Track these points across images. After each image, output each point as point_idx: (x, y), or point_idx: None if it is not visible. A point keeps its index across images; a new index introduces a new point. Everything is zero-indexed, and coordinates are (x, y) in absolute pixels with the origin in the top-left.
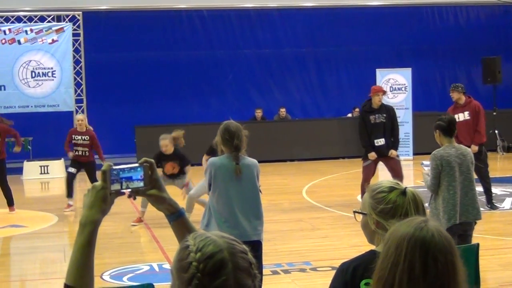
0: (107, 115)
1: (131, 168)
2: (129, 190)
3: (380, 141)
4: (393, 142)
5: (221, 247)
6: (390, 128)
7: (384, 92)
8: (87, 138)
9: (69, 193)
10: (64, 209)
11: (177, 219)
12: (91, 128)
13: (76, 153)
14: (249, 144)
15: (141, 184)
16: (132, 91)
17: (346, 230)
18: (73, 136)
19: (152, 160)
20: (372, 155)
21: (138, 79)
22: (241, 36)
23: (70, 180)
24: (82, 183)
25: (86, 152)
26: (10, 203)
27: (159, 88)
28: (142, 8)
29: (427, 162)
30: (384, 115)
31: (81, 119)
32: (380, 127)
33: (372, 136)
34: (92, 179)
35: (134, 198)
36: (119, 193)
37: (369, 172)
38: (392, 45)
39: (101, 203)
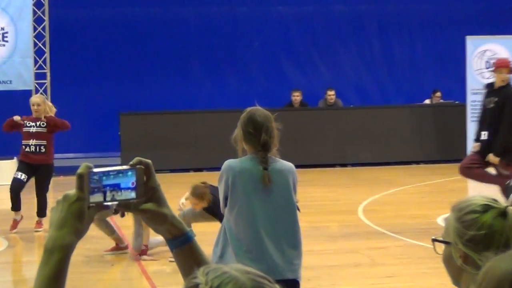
0: (80, 96)
1: (119, 172)
2: (116, 203)
3: (484, 135)
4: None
5: (244, 287)
6: (497, 118)
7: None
8: (43, 124)
9: (16, 205)
10: (11, 230)
11: (182, 245)
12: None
13: (27, 149)
14: (282, 141)
15: (133, 194)
16: (116, 64)
17: (422, 267)
18: (25, 122)
19: (149, 161)
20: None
21: (125, 47)
22: None
23: (16, 190)
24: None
25: (42, 148)
26: None
27: (154, 60)
28: None
29: None
30: (496, 99)
31: (37, 103)
32: (488, 114)
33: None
34: (43, 189)
35: (123, 215)
36: (101, 206)
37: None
38: (488, 3)
39: (76, 221)
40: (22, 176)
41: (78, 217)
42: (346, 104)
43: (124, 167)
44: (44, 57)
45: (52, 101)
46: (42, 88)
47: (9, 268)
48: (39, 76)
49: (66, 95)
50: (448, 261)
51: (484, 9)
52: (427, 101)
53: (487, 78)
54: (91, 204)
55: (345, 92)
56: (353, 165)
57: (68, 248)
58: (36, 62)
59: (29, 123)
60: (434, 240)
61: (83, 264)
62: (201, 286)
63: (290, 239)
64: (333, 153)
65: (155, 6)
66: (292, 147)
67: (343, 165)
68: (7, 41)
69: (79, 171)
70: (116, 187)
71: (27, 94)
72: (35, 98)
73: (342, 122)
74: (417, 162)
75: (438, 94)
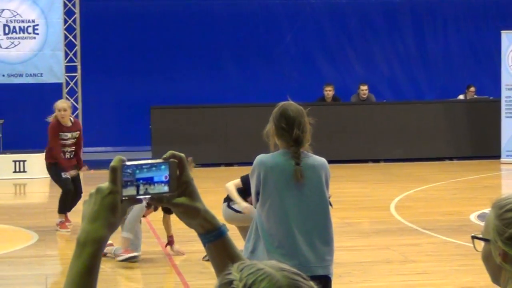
0: (111, 90)
1: (152, 165)
2: (149, 196)
3: None
4: None
5: (279, 285)
6: None
7: None
8: (77, 134)
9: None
10: (58, 228)
11: (215, 240)
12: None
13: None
14: (314, 136)
15: (166, 188)
16: (147, 57)
17: (454, 264)
18: (60, 133)
19: (182, 155)
20: None
21: (156, 40)
22: None
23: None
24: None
25: (73, 154)
26: None
27: (186, 53)
28: None
29: None
30: None
31: (64, 109)
32: None
33: None
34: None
35: (156, 209)
36: (134, 200)
37: None
38: None
39: (108, 214)
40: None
41: (111, 210)
42: (379, 99)
43: (158, 160)
44: (74, 50)
45: (82, 95)
46: (73, 81)
47: (40, 262)
48: (69, 69)
49: (97, 88)
50: (487, 258)
51: None
52: (461, 97)
53: None
54: (124, 198)
55: (378, 87)
56: (386, 160)
57: (101, 242)
58: (66, 55)
59: (65, 135)
60: (473, 237)
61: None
62: (235, 282)
63: (322, 235)
64: (365, 149)
65: None
66: (324, 142)
67: (376, 160)
68: (37, 34)
69: (112, 164)
70: (149, 181)
71: (57, 87)
72: (62, 104)
73: (374, 117)
74: (450, 159)
75: (472, 89)
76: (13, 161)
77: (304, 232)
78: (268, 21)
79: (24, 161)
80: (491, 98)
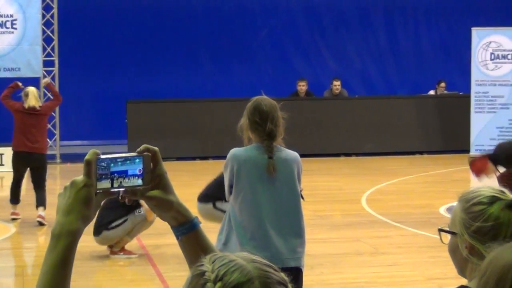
0: (87, 84)
1: (126, 159)
2: (123, 189)
3: None
4: None
5: (250, 276)
6: None
7: None
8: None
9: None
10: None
11: (188, 232)
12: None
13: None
14: (288, 130)
15: (140, 181)
16: (124, 52)
17: (423, 256)
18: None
19: (156, 148)
20: None
21: (133, 34)
22: None
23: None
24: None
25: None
26: None
27: (162, 48)
28: None
29: None
30: None
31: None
32: None
33: None
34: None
35: (129, 202)
36: (108, 193)
37: None
38: None
39: (83, 207)
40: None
41: (86, 203)
42: (352, 94)
43: (132, 154)
44: (52, 44)
45: (60, 89)
46: (51, 76)
47: (17, 254)
48: (47, 63)
49: (74, 83)
50: (454, 251)
51: (490, 1)
52: (432, 92)
53: (492, 70)
54: (98, 191)
55: (350, 82)
56: (357, 155)
57: (75, 234)
58: (44, 49)
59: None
60: (440, 230)
61: (87, 251)
62: (208, 273)
63: (294, 228)
64: (337, 143)
65: None
66: (297, 136)
67: (348, 154)
68: (15, 29)
69: (87, 157)
70: (124, 174)
71: (35, 81)
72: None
73: (347, 112)
74: (421, 153)
75: (443, 85)
76: None
77: (276, 224)
78: (243, 17)
79: (1, 154)
80: (461, 93)
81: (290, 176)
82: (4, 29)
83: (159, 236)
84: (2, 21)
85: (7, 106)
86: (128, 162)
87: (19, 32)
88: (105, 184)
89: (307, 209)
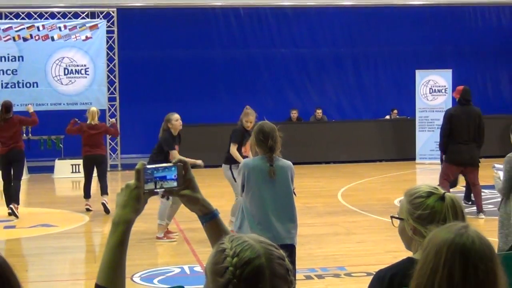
0: (140, 113)
1: (165, 168)
2: (163, 190)
3: None
4: None
5: (258, 253)
6: None
7: None
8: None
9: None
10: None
11: (210, 220)
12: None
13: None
14: (283, 145)
15: (175, 184)
16: (166, 90)
17: (382, 235)
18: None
19: (186, 160)
20: None
21: (172, 78)
22: (277, 34)
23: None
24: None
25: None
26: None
27: (193, 87)
28: (177, 5)
29: (499, 165)
30: None
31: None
32: None
33: None
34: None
35: (167, 198)
36: (152, 192)
37: None
38: (432, 45)
39: (135, 203)
40: None
41: (137, 200)
42: (330, 118)
43: (169, 164)
44: (114, 85)
45: (120, 118)
46: (113, 108)
47: (90, 236)
48: (111, 99)
49: (130, 112)
50: (402, 232)
51: (429, 50)
52: (387, 117)
53: (430, 100)
54: (145, 191)
55: (329, 110)
56: (334, 162)
57: (130, 222)
58: (109, 89)
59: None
60: (392, 217)
61: (140, 233)
62: (227, 250)
63: (289, 215)
64: (320, 154)
65: (193, 48)
66: (291, 149)
67: (327, 162)
68: (88, 74)
69: (136, 167)
70: (163, 179)
71: (102, 112)
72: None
73: (326, 132)
74: (380, 160)
75: (395, 111)
76: (71, 164)
77: (276, 213)
78: (251, 63)
79: (78, 164)
80: (408, 117)
81: (285, 179)
82: (80, 75)
83: (192, 222)
84: (78, 69)
85: (74, 133)
86: (166, 170)
87: (91, 76)
88: (150, 186)
89: (298, 202)
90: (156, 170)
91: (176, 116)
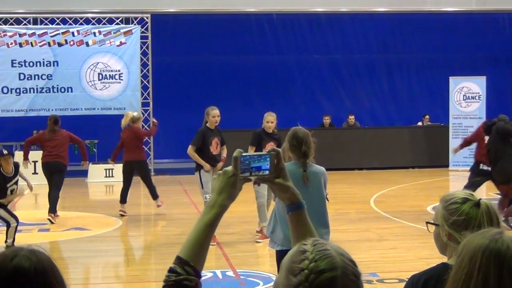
0: (173, 118)
1: (260, 156)
2: (256, 177)
3: None
4: None
5: (336, 265)
6: None
7: None
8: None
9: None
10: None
11: (296, 210)
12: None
13: None
14: (316, 151)
15: (267, 172)
16: (199, 95)
17: (415, 242)
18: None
19: (279, 149)
20: None
21: (205, 83)
22: (311, 41)
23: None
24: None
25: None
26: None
27: (226, 93)
28: (211, 11)
29: None
30: None
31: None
32: None
33: None
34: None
35: (259, 185)
36: (247, 180)
37: None
38: (466, 52)
39: (230, 189)
40: None
41: (232, 186)
42: (362, 125)
43: (263, 153)
44: (148, 91)
45: None
46: (147, 113)
47: (123, 240)
48: (144, 104)
49: (163, 117)
50: (437, 237)
51: (463, 57)
52: (419, 123)
53: (464, 107)
54: (240, 178)
55: (362, 116)
56: (367, 168)
57: (224, 207)
58: (142, 94)
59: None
60: (427, 223)
61: (172, 236)
62: (307, 253)
63: (321, 221)
64: (353, 160)
65: (226, 54)
66: (323, 155)
67: (360, 168)
68: (122, 80)
69: (235, 154)
70: (259, 169)
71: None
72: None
73: (359, 138)
74: (413, 167)
75: (427, 117)
76: (104, 169)
77: (309, 218)
78: (285, 69)
79: (112, 169)
80: (442, 124)
81: (318, 184)
82: (114, 80)
83: (224, 227)
84: (112, 74)
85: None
86: (262, 159)
87: (124, 82)
88: (246, 174)
89: (331, 208)
90: (253, 160)
91: (214, 111)
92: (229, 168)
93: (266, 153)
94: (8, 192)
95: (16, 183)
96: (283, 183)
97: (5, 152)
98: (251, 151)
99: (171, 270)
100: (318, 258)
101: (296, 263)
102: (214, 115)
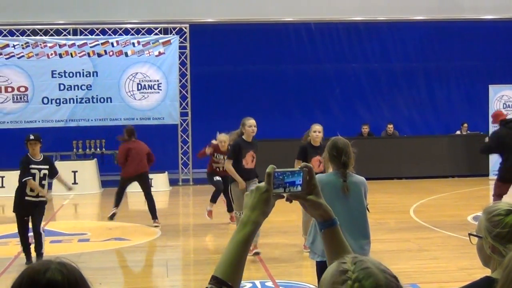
0: (211, 128)
1: (292, 172)
2: (289, 193)
3: None
4: None
5: (380, 283)
6: None
7: None
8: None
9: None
10: (207, 216)
11: (329, 227)
12: None
13: (217, 169)
14: (356, 160)
15: (299, 188)
16: (237, 105)
17: (455, 252)
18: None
19: (311, 165)
20: None
21: (244, 93)
22: (348, 49)
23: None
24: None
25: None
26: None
27: (265, 102)
28: (249, 21)
29: None
30: None
31: (224, 141)
32: None
33: None
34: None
35: (291, 202)
36: (280, 196)
37: None
38: (506, 60)
39: (264, 206)
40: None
41: (266, 203)
42: (401, 134)
43: (296, 169)
44: (186, 101)
45: (192, 133)
46: (185, 123)
47: (162, 250)
48: (183, 114)
49: (202, 127)
50: (480, 250)
51: (503, 65)
52: (458, 132)
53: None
54: (274, 194)
55: (400, 125)
56: (406, 178)
57: (257, 224)
58: (181, 104)
59: (219, 156)
60: (470, 234)
61: (210, 247)
62: (349, 273)
63: (362, 231)
64: (392, 169)
65: (264, 63)
66: (362, 165)
67: (399, 178)
68: (161, 89)
69: (268, 170)
70: (293, 184)
71: (174, 127)
72: (223, 137)
73: (398, 147)
74: (452, 176)
75: (465, 125)
76: None
77: (349, 229)
78: (322, 78)
79: (151, 179)
80: (481, 133)
81: (359, 194)
82: (153, 90)
83: (263, 237)
84: (151, 84)
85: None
86: (296, 175)
87: (163, 92)
88: (279, 190)
89: (370, 218)
90: (286, 175)
91: (250, 121)
92: (262, 184)
93: (298, 169)
94: (41, 175)
95: (45, 175)
96: (315, 200)
97: (31, 137)
98: (297, 166)
99: None
100: (361, 278)
101: (337, 284)
102: (250, 125)
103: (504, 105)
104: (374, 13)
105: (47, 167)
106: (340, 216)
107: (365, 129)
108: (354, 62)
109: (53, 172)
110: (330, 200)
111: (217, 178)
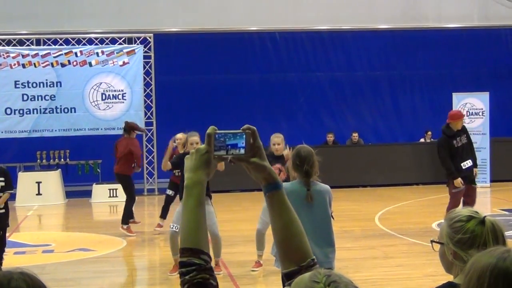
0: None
1: (235, 134)
2: (231, 156)
3: (467, 163)
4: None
5: None
6: (470, 148)
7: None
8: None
9: (163, 214)
10: (155, 228)
11: (273, 190)
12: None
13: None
14: (320, 169)
15: (242, 151)
16: (202, 114)
17: (421, 259)
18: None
19: (254, 128)
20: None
21: (208, 102)
22: (313, 58)
23: (168, 202)
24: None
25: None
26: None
27: (229, 112)
28: (213, 30)
29: None
30: (465, 135)
31: (180, 138)
32: (464, 148)
33: (457, 159)
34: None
35: (234, 163)
36: (222, 158)
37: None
38: (469, 68)
39: (205, 166)
40: (171, 192)
41: (206, 164)
42: (366, 142)
43: (238, 130)
44: (151, 110)
45: (157, 142)
46: (150, 133)
47: (128, 260)
48: (148, 124)
49: (167, 137)
50: (442, 256)
51: (466, 73)
52: (422, 139)
53: (467, 123)
54: (215, 156)
55: (365, 134)
56: (371, 186)
57: (203, 183)
58: (145, 114)
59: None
60: (432, 241)
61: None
62: (320, 284)
63: (327, 239)
64: (357, 177)
65: (229, 73)
66: (327, 173)
67: (364, 186)
68: (125, 99)
69: (208, 131)
70: (235, 146)
71: (139, 137)
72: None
73: (363, 155)
74: (417, 184)
75: (429, 133)
76: (108, 189)
77: (314, 237)
78: (288, 88)
79: (115, 189)
80: None
81: (323, 203)
82: (117, 100)
83: (228, 247)
84: (116, 94)
85: None
86: (238, 137)
87: (128, 101)
88: (221, 152)
89: (336, 226)
90: (228, 138)
91: (191, 138)
92: (202, 146)
93: (241, 131)
94: None
95: (2, 187)
96: (259, 162)
97: None
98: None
99: (188, 264)
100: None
101: None
102: (192, 142)
103: (468, 113)
104: (338, 22)
105: (3, 179)
106: (305, 225)
107: (330, 137)
108: (319, 71)
109: (8, 186)
110: (295, 208)
111: (169, 192)
